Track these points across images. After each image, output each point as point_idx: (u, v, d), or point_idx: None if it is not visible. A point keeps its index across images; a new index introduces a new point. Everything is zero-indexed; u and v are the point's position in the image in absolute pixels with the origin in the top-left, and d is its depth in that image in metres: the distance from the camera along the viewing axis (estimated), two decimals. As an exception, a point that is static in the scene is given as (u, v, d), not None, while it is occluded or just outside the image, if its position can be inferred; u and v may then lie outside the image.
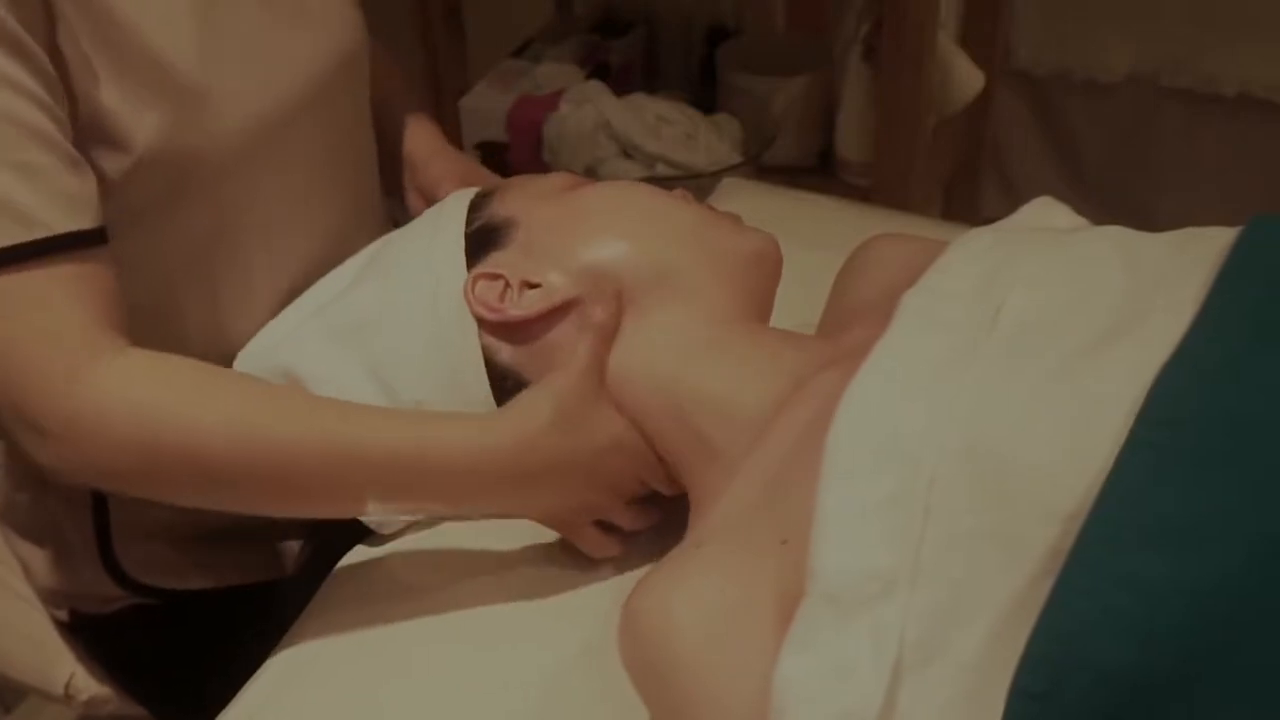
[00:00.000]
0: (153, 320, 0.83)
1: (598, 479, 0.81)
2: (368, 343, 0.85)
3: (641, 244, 0.84)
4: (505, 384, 0.83)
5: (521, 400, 0.80)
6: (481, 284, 0.84)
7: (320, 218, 0.94)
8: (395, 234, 0.93)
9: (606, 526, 0.84)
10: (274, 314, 0.93)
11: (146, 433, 0.74)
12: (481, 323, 0.83)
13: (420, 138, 1.10)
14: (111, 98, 0.77)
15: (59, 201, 0.74)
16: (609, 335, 0.82)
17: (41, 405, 0.73)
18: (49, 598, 1.01)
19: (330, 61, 0.92)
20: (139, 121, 0.78)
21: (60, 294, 0.74)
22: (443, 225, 0.89)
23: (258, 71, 0.86)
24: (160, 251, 0.82)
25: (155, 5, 0.79)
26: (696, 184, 1.36)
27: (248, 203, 0.87)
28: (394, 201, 1.09)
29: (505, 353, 0.83)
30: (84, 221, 0.75)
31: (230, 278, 0.90)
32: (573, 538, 0.84)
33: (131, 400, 0.74)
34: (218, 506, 0.79)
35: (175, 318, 0.82)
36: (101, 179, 0.78)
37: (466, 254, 0.86)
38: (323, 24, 0.93)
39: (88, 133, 0.77)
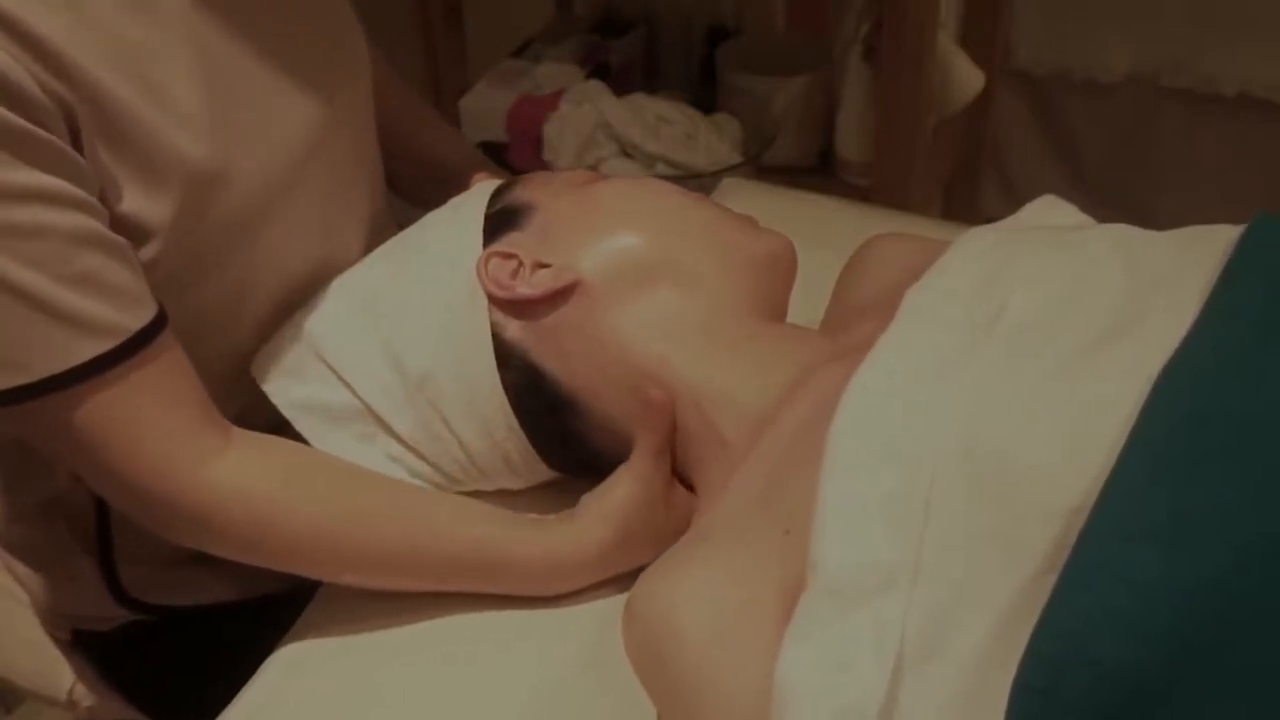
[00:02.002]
0: None
1: (662, 548, 0.84)
2: (383, 314, 0.87)
3: (655, 237, 0.85)
4: (512, 361, 0.84)
5: (588, 516, 0.83)
6: (495, 261, 0.85)
7: (336, 245, 0.94)
8: (423, 218, 0.94)
9: None
10: None
11: (265, 531, 0.80)
12: (492, 299, 0.84)
13: (456, 149, 1.10)
14: (132, 199, 0.76)
15: (120, 300, 0.74)
16: (670, 422, 0.83)
17: (167, 503, 0.78)
18: (50, 619, 1.01)
19: (340, 101, 0.90)
20: (159, 215, 0.77)
21: (150, 393, 0.76)
22: (465, 209, 0.90)
23: (270, 136, 0.84)
24: (184, 317, 0.82)
25: (164, 95, 0.76)
26: (697, 184, 1.36)
27: (265, 256, 0.87)
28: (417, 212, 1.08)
29: (512, 329, 0.84)
30: (147, 312, 0.76)
31: (251, 323, 0.90)
32: None
33: (250, 506, 0.80)
34: (313, 576, 0.85)
35: (193, 358, 0.82)
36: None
37: (485, 234, 0.87)
38: (331, 64, 0.90)
39: (112, 229, 0.76)
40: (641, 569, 0.74)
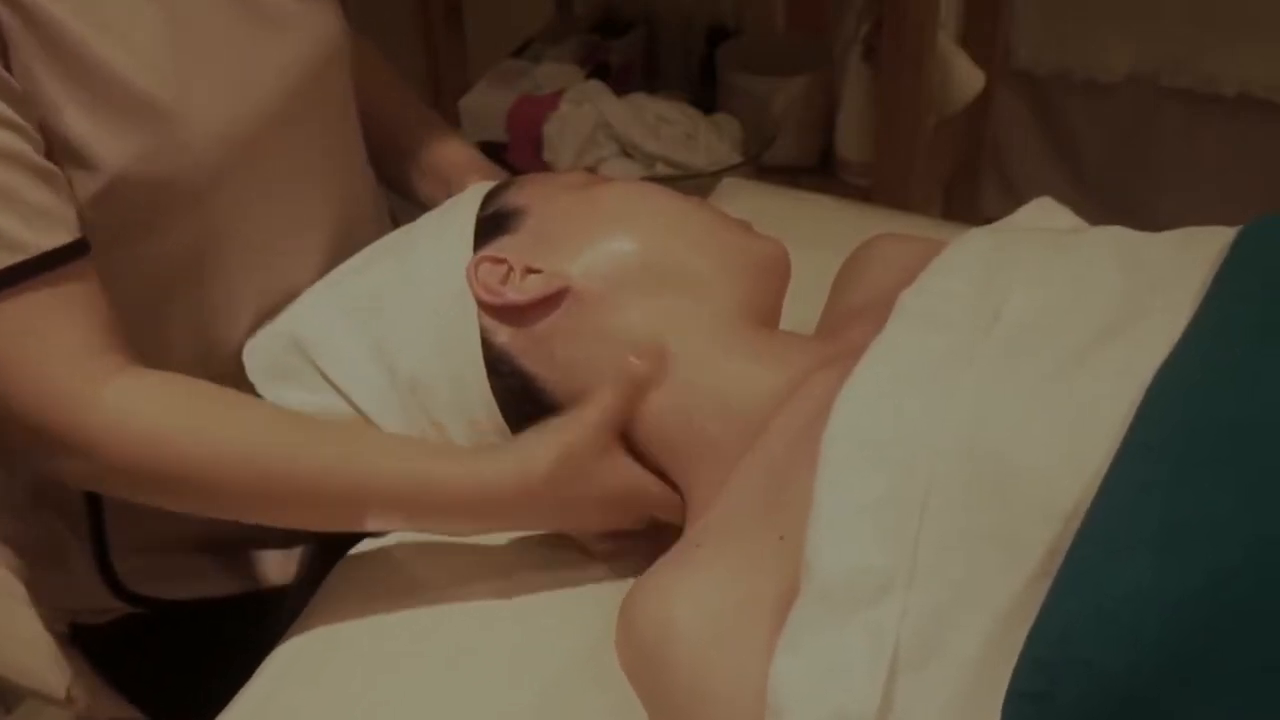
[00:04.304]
0: (134, 331, 0.82)
1: (601, 518, 0.83)
2: (373, 317, 0.86)
3: (650, 241, 0.85)
4: (501, 367, 0.84)
5: (527, 442, 0.80)
6: (485, 267, 0.84)
7: (313, 224, 0.93)
8: (417, 220, 0.94)
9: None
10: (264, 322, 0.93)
11: (149, 459, 0.77)
12: (481, 305, 0.84)
13: (457, 150, 1.10)
14: (76, 122, 0.76)
15: (35, 219, 0.73)
16: (637, 390, 0.81)
17: (48, 428, 0.75)
18: (46, 613, 1.01)
19: (311, 66, 0.90)
20: (107, 146, 0.77)
21: (50, 315, 0.75)
22: (457, 211, 0.90)
23: (233, 87, 0.84)
24: (140, 269, 0.81)
25: (117, 27, 0.77)
26: (696, 184, 1.36)
27: (232, 218, 0.86)
28: (412, 207, 1.08)
29: (503, 335, 0.84)
30: (63, 235, 0.75)
31: (216, 291, 0.89)
32: (579, 539, 0.86)
33: (133, 428, 0.76)
34: (218, 516, 0.82)
35: (157, 329, 0.82)
36: (73, 198, 0.78)
37: (476, 238, 0.87)
38: (300, 26, 0.90)
39: (54, 153, 0.76)
40: (624, 568, 0.73)
